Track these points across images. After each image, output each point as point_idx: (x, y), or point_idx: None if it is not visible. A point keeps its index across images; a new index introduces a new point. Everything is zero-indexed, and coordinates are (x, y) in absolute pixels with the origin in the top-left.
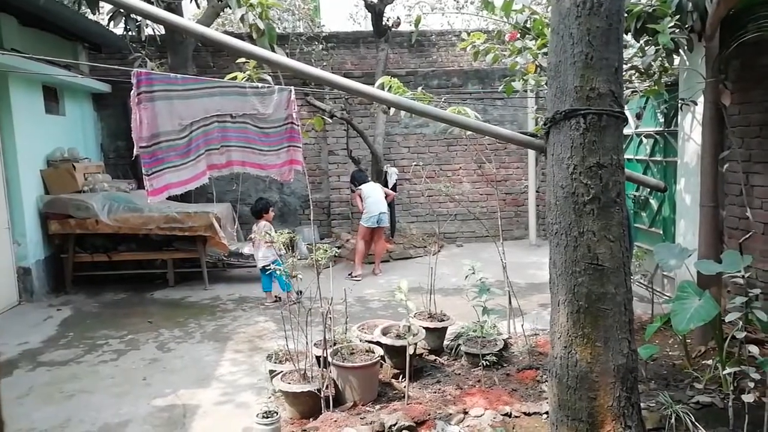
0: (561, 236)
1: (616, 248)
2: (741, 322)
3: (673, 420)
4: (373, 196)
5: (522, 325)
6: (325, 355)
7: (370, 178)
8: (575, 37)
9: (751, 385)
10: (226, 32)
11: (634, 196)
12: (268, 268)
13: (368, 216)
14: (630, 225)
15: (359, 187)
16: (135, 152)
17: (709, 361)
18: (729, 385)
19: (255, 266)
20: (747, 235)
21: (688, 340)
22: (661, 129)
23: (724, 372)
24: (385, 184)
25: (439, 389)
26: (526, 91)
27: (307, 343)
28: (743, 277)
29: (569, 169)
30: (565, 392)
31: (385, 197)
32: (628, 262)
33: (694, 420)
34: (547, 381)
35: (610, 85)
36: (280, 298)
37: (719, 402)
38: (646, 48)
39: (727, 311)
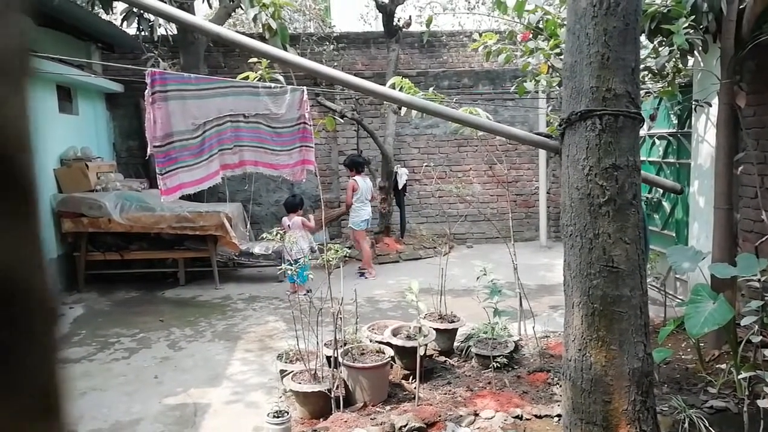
0: (576, 238)
1: (632, 250)
2: (756, 326)
3: (686, 425)
4: (363, 196)
5: (533, 327)
6: (335, 355)
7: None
8: (591, 38)
9: (767, 389)
10: (237, 33)
11: (647, 198)
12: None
13: (359, 219)
14: (645, 227)
15: (355, 178)
16: (149, 151)
17: (723, 366)
18: (744, 389)
19: (265, 266)
20: (763, 239)
21: (701, 344)
22: (674, 130)
23: (739, 376)
24: (396, 185)
25: (450, 391)
26: (537, 92)
27: (317, 343)
28: (759, 280)
29: (585, 170)
30: (579, 395)
31: (371, 198)
32: (644, 265)
33: (707, 425)
34: (558, 383)
35: (627, 86)
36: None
37: (733, 407)
38: (660, 49)
39: (742, 315)
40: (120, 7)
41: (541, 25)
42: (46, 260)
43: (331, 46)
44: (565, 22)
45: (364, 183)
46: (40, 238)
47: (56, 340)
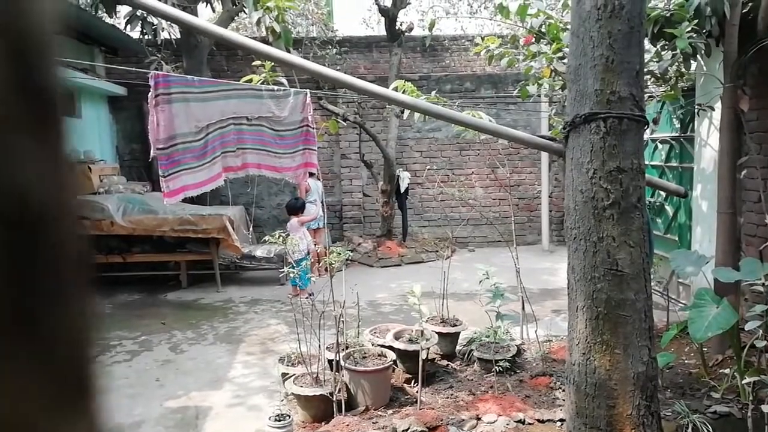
0: (580, 241)
1: (636, 254)
2: (761, 331)
3: (689, 430)
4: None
5: (535, 331)
6: (337, 358)
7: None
8: (596, 40)
9: None
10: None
11: (650, 202)
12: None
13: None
14: (649, 230)
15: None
16: (152, 154)
17: (727, 370)
18: (748, 394)
19: (267, 269)
20: (766, 242)
21: (704, 349)
22: (677, 134)
23: (743, 381)
24: (398, 188)
25: (452, 395)
26: (540, 95)
27: (319, 346)
28: (763, 284)
29: (589, 173)
30: (583, 400)
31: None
32: (648, 268)
33: (711, 430)
34: (561, 388)
35: (631, 89)
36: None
37: (737, 412)
38: (663, 53)
39: (746, 320)
40: (124, 10)
41: (543, 29)
42: (73, 181)
43: (334, 50)
44: (568, 26)
45: (314, 184)
46: (63, 153)
47: (88, 291)
